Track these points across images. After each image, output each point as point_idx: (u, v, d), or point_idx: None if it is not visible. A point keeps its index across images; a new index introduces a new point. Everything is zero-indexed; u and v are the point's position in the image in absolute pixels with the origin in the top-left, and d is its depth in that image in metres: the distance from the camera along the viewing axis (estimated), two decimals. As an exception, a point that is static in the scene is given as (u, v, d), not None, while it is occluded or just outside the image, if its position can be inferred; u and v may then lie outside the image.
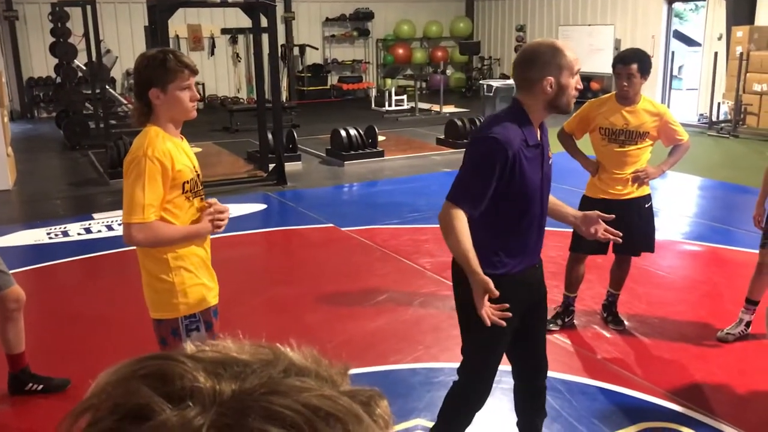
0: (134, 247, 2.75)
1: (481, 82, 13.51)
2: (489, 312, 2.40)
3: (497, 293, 2.39)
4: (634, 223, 4.09)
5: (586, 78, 14.61)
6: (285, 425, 0.42)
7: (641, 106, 4.07)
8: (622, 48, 13.03)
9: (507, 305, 2.41)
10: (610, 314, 4.47)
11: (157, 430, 0.41)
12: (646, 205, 4.27)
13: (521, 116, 2.50)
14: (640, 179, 4.11)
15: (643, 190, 4.22)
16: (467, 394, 2.76)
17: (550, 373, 3.76)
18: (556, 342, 4.24)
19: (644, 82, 4.02)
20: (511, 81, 12.66)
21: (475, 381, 2.75)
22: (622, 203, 4.09)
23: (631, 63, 3.94)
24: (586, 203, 4.20)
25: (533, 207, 2.55)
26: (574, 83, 2.52)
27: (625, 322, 4.42)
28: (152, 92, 2.56)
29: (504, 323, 2.44)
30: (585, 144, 4.33)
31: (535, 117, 2.53)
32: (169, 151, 2.55)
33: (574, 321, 4.50)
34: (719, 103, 12.35)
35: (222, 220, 2.72)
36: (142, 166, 2.49)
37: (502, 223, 2.56)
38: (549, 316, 4.26)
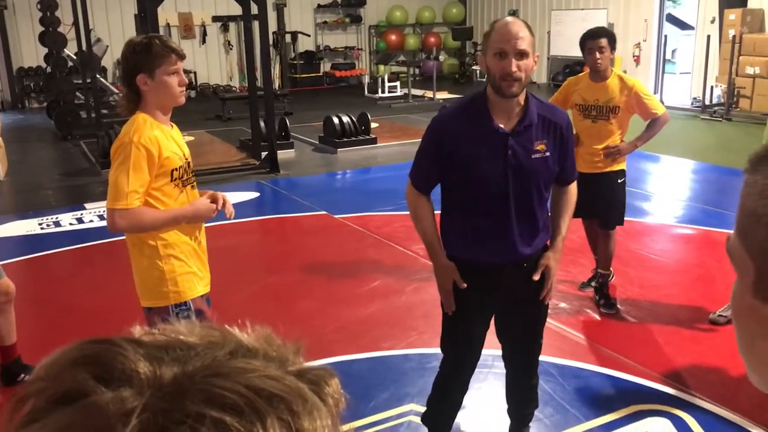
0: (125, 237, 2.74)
1: (474, 67, 13.46)
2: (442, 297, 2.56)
3: (460, 280, 2.51)
4: (608, 197, 4.33)
5: (579, 62, 14.58)
6: (225, 408, 0.41)
7: (611, 81, 4.22)
8: (615, 32, 13.02)
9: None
10: (601, 297, 4.49)
11: (87, 409, 0.41)
12: (620, 180, 4.37)
13: (478, 102, 2.45)
14: (612, 154, 4.24)
15: (617, 165, 4.34)
16: (441, 380, 2.82)
17: (543, 357, 3.79)
18: (549, 326, 4.22)
19: (613, 56, 4.20)
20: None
21: (445, 366, 2.80)
22: (596, 177, 4.28)
23: (600, 37, 4.13)
24: None
25: (488, 196, 2.45)
26: (501, 66, 2.31)
27: (618, 306, 4.43)
28: (140, 78, 2.54)
29: (448, 310, 2.60)
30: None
31: (492, 102, 2.42)
32: (156, 138, 2.53)
33: (560, 304, 4.51)
34: (712, 87, 12.34)
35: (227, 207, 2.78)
36: (128, 152, 2.48)
37: (454, 206, 2.57)
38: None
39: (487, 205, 2.47)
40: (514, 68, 2.28)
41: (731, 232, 0.66)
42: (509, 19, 2.38)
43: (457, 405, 2.83)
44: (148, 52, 2.53)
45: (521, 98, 2.42)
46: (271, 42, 15.23)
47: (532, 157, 2.44)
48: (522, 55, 2.30)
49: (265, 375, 0.44)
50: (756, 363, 0.67)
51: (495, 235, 2.50)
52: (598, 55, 4.12)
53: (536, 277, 2.55)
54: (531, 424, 3.06)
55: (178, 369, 0.43)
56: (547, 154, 2.47)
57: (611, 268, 4.55)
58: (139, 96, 2.59)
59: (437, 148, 2.46)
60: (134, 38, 2.64)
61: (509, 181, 2.43)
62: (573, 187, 2.67)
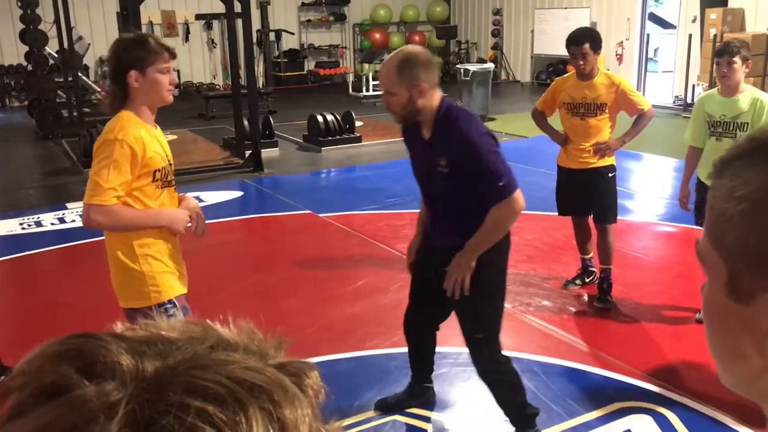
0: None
1: (458, 66, 13.48)
2: None
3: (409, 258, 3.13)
4: (598, 192, 4.43)
5: (563, 61, 14.64)
6: (207, 398, 0.41)
7: (598, 80, 4.30)
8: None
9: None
10: (599, 291, 4.53)
11: (71, 403, 0.41)
12: (609, 175, 4.45)
13: None
14: (601, 150, 4.32)
15: (607, 161, 4.41)
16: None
17: (526, 355, 3.81)
18: (532, 324, 4.27)
19: (598, 57, 4.27)
20: (487, 65, 12.65)
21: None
22: (586, 172, 4.40)
23: (584, 43, 4.19)
24: (559, 172, 4.62)
25: (422, 188, 2.91)
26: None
27: (612, 303, 4.46)
28: (131, 75, 2.52)
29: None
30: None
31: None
32: (141, 138, 2.51)
33: (543, 302, 4.53)
34: (694, 85, 12.44)
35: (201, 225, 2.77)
36: (112, 149, 2.46)
37: None
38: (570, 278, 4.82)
39: (425, 198, 2.94)
40: (384, 103, 2.69)
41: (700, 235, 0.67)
42: (387, 60, 2.66)
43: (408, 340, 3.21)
44: (142, 49, 2.52)
45: (429, 115, 2.66)
46: (254, 40, 15.17)
47: (437, 169, 2.71)
48: (389, 93, 2.62)
49: (246, 366, 0.45)
50: (732, 363, 0.67)
51: (434, 223, 2.92)
52: (581, 61, 4.21)
53: (447, 286, 2.78)
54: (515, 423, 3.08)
55: (160, 362, 0.44)
56: (447, 170, 2.66)
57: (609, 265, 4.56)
58: (126, 93, 2.56)
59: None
60: (126, 35, 2.63)
61: (428, 183, 2.83)
62: (496, 212, 2.63)
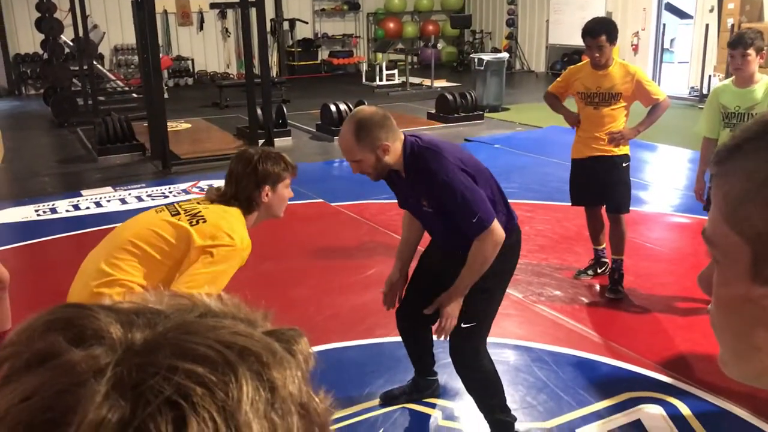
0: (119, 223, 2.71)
1: (472, 55, 13.43)
2: None
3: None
4: (612, 181, 4.40)
5: (578, 51, 14.54)
6: (196, 360, 0.42)
7: (613, 69, 4.27)
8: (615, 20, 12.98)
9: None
10: (610, 281, 4.52)
11: (60, 367, 0.41)
12: (623, 164, 4.43)
13: None
14: (615, 140, 4.30)
15: (621, 150, 4.39)
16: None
17: (537, 345, 3.82)
18: (543, 313, 4.26)
19: (613, 47, 4.24)
20: (501, 55, 12.59)
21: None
22: (600, 161, 4.38)
23: (600, 35, 4.15)
24: (574, 165, 4.59)
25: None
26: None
27: (623, 294, 4.44)
28: (264, 189, 2.53)
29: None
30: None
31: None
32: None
33: (554, 292, 4.53)
34: (710, 76, 12.32)
35: None
36: (232, 257, 2.40)
37: None
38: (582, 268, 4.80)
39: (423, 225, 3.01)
40: (354, 171, 2.69)
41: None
42: (343, 130, 2.63)
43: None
44: (278, 165, 2.54)
45: (399, 163, 2.67)
46: (268, 29, 15.17)
47: (423, 209, 2.77)
48: (354, 161, 2.63)
49: (235, 331, 0.45)
50: (742, 353, 0.67)
51: (433, 240, 3.03)
52: (597, 53, 4.19)
53: (427, 311, 2.82)
54: (522, 412, 3.08)
55: (149, 331, 0.44)
56: (431, 210, 2.74)
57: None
58: (249, 204, 2.54)
59: None
60: (266, 150, 2.62)
61: (418, 218, 2.92)
62: (475, 249, 2.62)
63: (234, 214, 2.49)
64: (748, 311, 0.63)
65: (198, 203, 2.57)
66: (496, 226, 2.60)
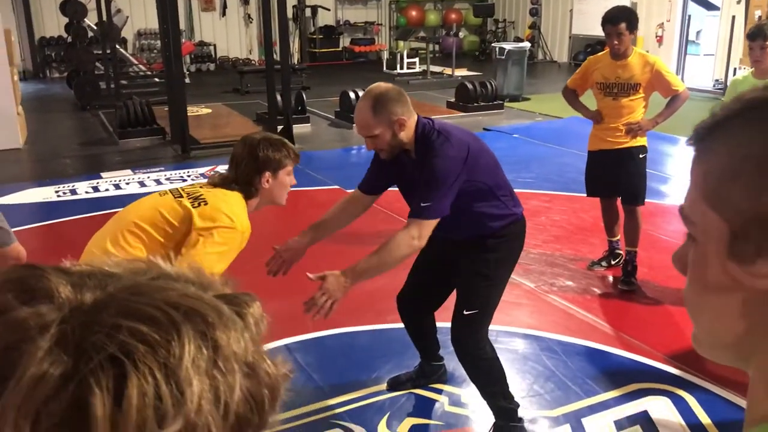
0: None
1: (493, 44, 13.35)
2: None
3: None
4: (627, 172, 4.37)
5: (601, 42, 14.37)
6: (141, 319, 0.43)
7: (632, 59, 4.24)
8: (638, 12, 12.82)
9: None
10: (623, 273, 4.50)
11: (5, 323, 0.43)
12: (640, 156, 4.40)
13: None
14: (633, 131, 4.27)
15: (638, 141, 4.36)
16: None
17: (547, 334, 3.82)
18: (554, 303, 4.25)
19: (633, 37, 4.23)
20: (523, 44, 12.50)
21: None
22: (617, 152, 4.36)
23: (620, 22, 4.13)
24: (590, 157, 4.58)
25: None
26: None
27: (636, 285, 4.43)
28: (265, 176, 2.54)
29: None
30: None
31: None
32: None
33: (567, 282, 4.51)
34: (735, 69, 12.14)
35: None
36: (232, 237, 2.41)
37: None
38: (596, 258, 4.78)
39: None
40: (369, 147, 2.68)
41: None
42: (360, 106, 2.61)
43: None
44: (279, 152, 2.55)
45: (411, 143, 2.64)
46: (290, 16, 15.18)
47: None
48: (372, 137, 2.60)
49: (184, 293, 0.46)
50: (723, 332, 0.67)
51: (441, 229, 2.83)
52: (616, 41, 4.17)
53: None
54: (529, 400, 3.08)
55: (99, 292, 0.45)
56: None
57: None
58: (249, 190, 2.55)
59: None
60: (266, 135, 2.65)
61: (407, 194, 2.79)
62: (400, 236, 2.55)
63: (235, 197, 2.51)
64: (724, 290, 0.63)
65: (200, 187, 2.59)
66: (428, 229, 2.53)
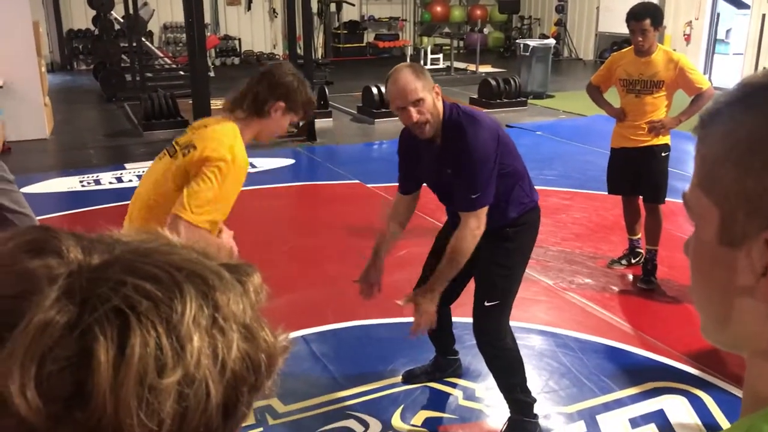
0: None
1: (517, 41, 13.27)
2: None
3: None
4: (649, 170, 4.35)
5: (627, 40, 14.22)
6: (146, 277, 0.45)
7: (656, 56, 4.19)
8: (666, 10, 12.69)
9: None
10: (643, 271, 4.47)
11: (17, 272, 0.45)
12: (663, 154, 4.37)
13: None
14: (656, 129, 4.24)
15: (661, 139, 4.32)
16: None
17: (564, 331, 3.80)
18: (573, 301, 4.23)
19: (658, 34, 4.18)
20: (548, 41, 12.42)
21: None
22: (640, 150, 4.33)
23: (644, 19, 4.10)
24: (612, 154, 4.55)
25: (438, 197, 2.94)
26: (404, 118, 2.60)
27: (655, 284, 4.40)
28: (279, 105, 2.48)
29: None
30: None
31: None
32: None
33: (585, 280, 4.49)
34: (764, 68, 11.95)
35: None
36: (228, 172, 2.33)
37: None
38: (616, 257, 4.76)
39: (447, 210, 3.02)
40: (415, 118, 2.54)
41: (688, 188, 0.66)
42: (399, 74, 2.57)
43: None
44: (301, 94, 2.51)
45: (438, 120, 2.62)
46: (315, 11, 15.22)
47: (443, 180, 2.72)
48: (418, 102, 2.53)
49: (187, 258, 0.49)
50: (723, 317, 0.67)
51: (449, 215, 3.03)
52: (640, 37, 4.14)
53: (400, 304, 2.88)
54: (544, 396, 3.08)
55: (107, 254, 0.48)
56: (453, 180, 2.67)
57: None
58: (254, 112, 2.48)
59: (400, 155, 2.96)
60: (296, 73, 2.59)
61: (441, 192, 2.85)
62: (460, 235, 2.59)
63: (227, 129, 2.42)
64: (718, 274, 0.63)
65: (193, 132, 2.50)
66: (483, 217, 2.57)
